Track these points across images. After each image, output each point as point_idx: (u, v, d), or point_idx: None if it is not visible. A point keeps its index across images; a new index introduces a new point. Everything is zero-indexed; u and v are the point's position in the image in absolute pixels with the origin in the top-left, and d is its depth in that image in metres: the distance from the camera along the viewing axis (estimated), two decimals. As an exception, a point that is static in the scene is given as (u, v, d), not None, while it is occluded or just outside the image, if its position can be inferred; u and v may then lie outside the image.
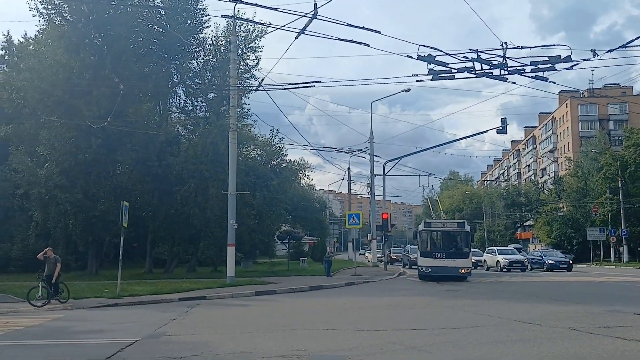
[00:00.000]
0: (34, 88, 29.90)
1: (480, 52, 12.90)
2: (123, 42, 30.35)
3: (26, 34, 46.93)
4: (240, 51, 31.55)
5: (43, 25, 31.56)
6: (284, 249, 51.92)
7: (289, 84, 19.41)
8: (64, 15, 30.46)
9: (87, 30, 30.03)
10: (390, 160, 33.87)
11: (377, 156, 34.33)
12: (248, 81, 33.06)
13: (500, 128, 28.40)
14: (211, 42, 34.20)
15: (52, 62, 29.95)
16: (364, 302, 18.14)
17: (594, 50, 13.30)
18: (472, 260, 42.95)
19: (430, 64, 13.03)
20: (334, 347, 10.46)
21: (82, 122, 27.64)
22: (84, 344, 11.31)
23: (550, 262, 39.48)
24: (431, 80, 13.70)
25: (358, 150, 33.45)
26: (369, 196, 36.00)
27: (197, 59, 34.83)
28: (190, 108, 35.58)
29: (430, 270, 26.38)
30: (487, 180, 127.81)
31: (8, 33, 54.36)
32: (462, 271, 26.10)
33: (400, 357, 9.43)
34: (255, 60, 34.27)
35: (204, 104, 34.97)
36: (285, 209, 40.54)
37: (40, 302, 17.84)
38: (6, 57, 40.00)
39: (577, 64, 13.87)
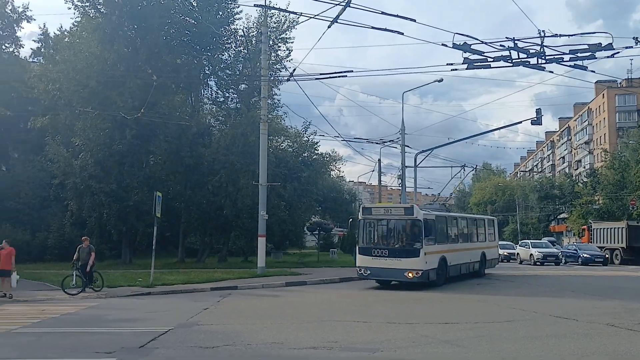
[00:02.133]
0: (69, 80, 30.37)
1: (517, 40, 12.59)
2: (156, 34, 30.60)
3: (61, 26, 47.86)
4: (271, 42, 31.54)
5: (78, 17, 32.00)
6: (313, 240, 51.96)
7: (321, 74, 19.37)
8: (98, 7, 30.86)
9: (121, 22, 30.35)
10: (422, 152, 33.45)
11: (408, 147, 33.94)
12: (279, 72, 33.08)
13: (535, 119, 27.68)
14: (242, 33, 34.30)
15: (86, 54, 30.38)
16: (395, 295, 18.01)
17: (637, 37, 12.86)
18: (505, 253, 42.60)
19: (465, 52, 12.77)
20: (365, 339, 10.39)
21: (116, 114, 28.01)
22: (118, 332, 11.48)
23: (585, 255, 38.64)
24: (466, 69, 13.44)
25: (390, 141, 33.11)
26: (400, 188, 35.63)
27: (228, 51, 34.98)
28: (222, 99, 35.82)
29: (369, 272, 20.00)
30: (521, 172, 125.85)
31: (44, 26, 55.62)
32: (410, 275, 18.96)
33: (433, 351, 9.32)
34: (287, 51, 34.32)
35: (235, 96, 35.14)
36: (315, 200, 40.54)
37: (74, 290, 18.19)
38: (42, 50, 40.72)
39: (619, 52, 13.43)
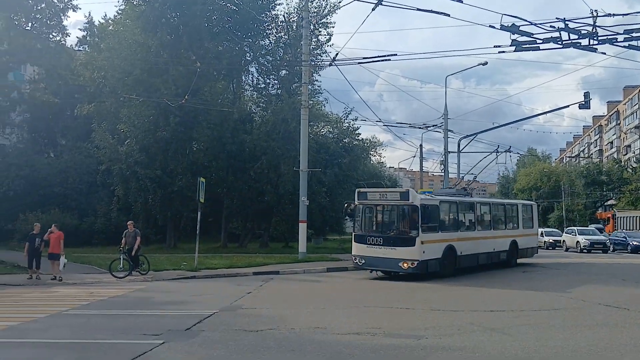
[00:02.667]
0: (114, 67, 30.88)
1: (568, 21, 12.13)
2: (198, 21, 30.78)
3: (106, 15, 48.76)
4: (312, 27, 31.37)
5: (122, 5, 32.48)
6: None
7: (364, 58, 19.15)
8: (142, -6, 31.21)
9: (164, 9, 30.62)
10: (465, 137, 32.81)
11: (451, 131, 33.41)
12: (320, 57, 32.92)
13: (583, 103, 26.78)
14: (283, 18, 34.22)
15: (130, 42, 30.82)
16: (438, 282, 17.82)
17: (696, 15, 12.23)
18: (550, 240, 41.69)
19: (513, 34, 12.38)
20: (409, 326, 10.32)
21: (160, 101, 28.41)
22: (165, 315, 11.71)
23: (634, 243, 37.37)
24: (514, 51, 13.03)
25: (432, 126, 32.60)
26: (442, 174, 35.18)
27: (269, 37, 34.94)
28: (263, 86, 35.86)
29: (363, 262, 19.02)
30: (567, 157, 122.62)
31: (89, 15, 56.78)
32: (404, 265, 17.71)
33: (479, 338, 9.18)
34: (327, 36, 34.10)
35: (275, 82, 35.15)
36: (355, 186, 40.37)
37: (121, 273, 18.63)
38: (88, 38, 41.51)
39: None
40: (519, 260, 24.00)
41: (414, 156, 43.62)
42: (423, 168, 45.40)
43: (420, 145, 42.52)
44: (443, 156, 34.45)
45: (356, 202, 19.53)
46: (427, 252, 17.90)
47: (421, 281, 17.47)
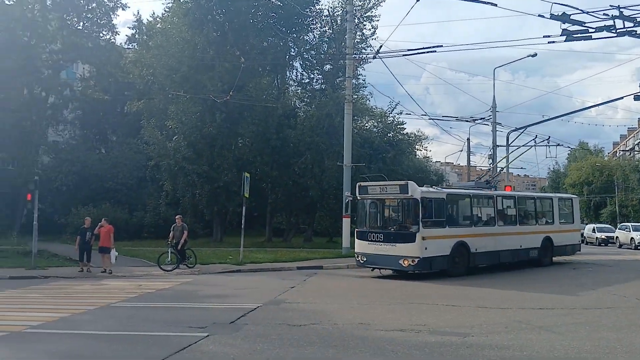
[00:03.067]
0: (162, 65, 31.53)
1: (623, 8, 11.63)
2: (243, 17, 31.08)
3: (154, 13, 49.66)
4: (356, 20, 31.21)
5: (169, 3, 33.16)
6: (399, 221, 51.41)
7: (408, 50, 18.91)
8: (188, -8, 31.69)
9: (210, 6, 31.03)
10: (514, 130, 32.00)
11: (499, 124, 32.68)
12: (364, 51, 32.71)
13: (639, 94, 25.68)
14: (327, 13, 34.19)
15: (177, 39, 31.37)
16: (485, 278, 17.49)
17: None
18: (602, 236, 40.31)
19: (564, 23, 11.96)
20: (455, 323, 10.15)
21: (206, 97, 28.82)
22: (210, 308, 11.88)
23: (695, 240, 35.79)
24: (565, 41, 12.60)
25: (480, 119, 31.92)
26: (490, 168, 34.47)
27: (313, 31, 35.01)
28: (307, 81, 35.97)
29: (365, 259, 18.04)
30: (620, 151, 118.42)
31: (138, 13, 58.00)
32: (404, 263, 16.76)
33: (527, 337, 8.94)
34: (372, 30, 33.89)
35: (320, 76, 35.18)
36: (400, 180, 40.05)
37: (169, 266, 18.99)
38: (136, 36, 42.45)
39: None
40: (556, 259, 22.67)
41: (461, 150, 42.92)
42: (471, 162, 44.59)
43: (468, 139, 41.78)
44: (491, 150, 33.74)
45: (358, 197, 18.79)
46: (431, 248, 16.83)
47: (428, 280, 16.80)
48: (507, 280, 17.28)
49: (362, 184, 18.84)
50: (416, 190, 17.07)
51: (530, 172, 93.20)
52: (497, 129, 32.01)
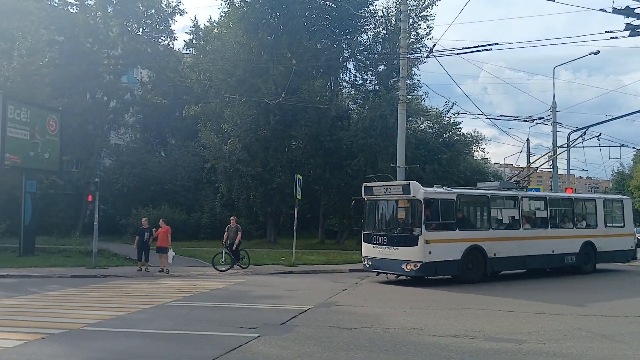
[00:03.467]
0: (218, 69, 32.16)
1: (693, -1, 11.00)
2: (297, 20, 31.31)
3: (211, 18, 50.64)
4: (411, 20, 30.84)
5: (225, 8, 33.73)
6: (455, 224, 50.50)
7: (463, 48, 18.49)
8: (244, -4, 32.18)
9: (264, 10, 31.41)
10: (575, 130, 30.80)
11: (560, 124, 31.57)
12: (419, 51, 32.31)
13: None
14: (381, 13, 33.97)
15: (233, 44, 31.92)
16: (547, 283, 16.90)
17: None
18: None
19: (627, 17, 11.39)
20: (511, 330, 9.82)
21: (260, 100, 29.15)
22: (262, 309, 11.93)
23: None
24: (628, 36, 11.99)
25: (540, 119, 30.85)
26: (550, 170, 33.32)
27: (367, 32, 34.83)
28: (360, 82, 35.83)
29: (370, 263, 17.43)
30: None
31: (195, 18, 59.30)
32: (407, 267, 16.02)
33: (588, 345, 8.54)
34: (427, 29, 33.42)
35: (373, 77, 34.95)
36: (456, 183, 39.26)
37: (223, 267, 19.28)
38: (194, 42, 43.45)
39: None
40: (604, 266, 20.94)
41: (521, 151, 41.57)
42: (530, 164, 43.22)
43: (527, 140, 40.51)
44: (551, 151, 32.60)
45: (365, 198, 17.90)
46: (436, 252, 15.93)
47: (437, 286, 16.12)
48: (525, 287, 16.27)
49: (368, 184, 18.11)
50: (419, 191, 16.13)
51: (593, 174, 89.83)
52: (557, 129, 30.90)
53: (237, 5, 32.31)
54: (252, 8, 31.15)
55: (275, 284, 16.27)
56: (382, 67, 33.89)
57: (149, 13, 38.84)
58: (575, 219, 20.32)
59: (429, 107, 37.35)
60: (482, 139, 41.31)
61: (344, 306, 12.30)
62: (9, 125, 22.68)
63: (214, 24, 39.51)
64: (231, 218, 20.94)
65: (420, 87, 35.13)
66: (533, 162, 26.82)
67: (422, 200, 15.85)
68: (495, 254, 17.08)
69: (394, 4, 33.48)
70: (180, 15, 40.02)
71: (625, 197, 24.76)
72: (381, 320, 10.51)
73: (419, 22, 33.05)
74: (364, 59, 34.24)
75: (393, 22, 33.10)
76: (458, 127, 35.82)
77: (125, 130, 43.73)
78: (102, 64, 36.62)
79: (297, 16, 31.26)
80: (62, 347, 8.45)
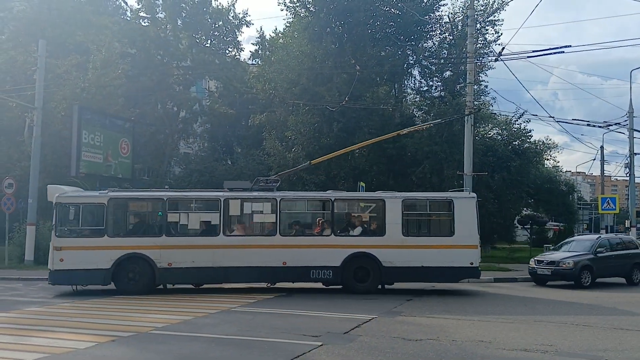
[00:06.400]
0: (283, 78, 32.53)
1: None
2: (361, 28, 31.25)
3: (276, 28, 51.40)
4: (478, 25, 30.18)
5: (290, 18, 34.14)
6: (525, 234, 48.77)
7: (533, 51, 17.87)
8: (308, 6, 32.48)
9: (328, 19, 31.55)
10: (654, 136, 29.28)
11: (637, 131, 30.03)
12: (486, 56, 31.58)
13: None
14: (447, 19, 33.44)
15: (297, 53, 32.19)
16: (627, 297, 15.95)
17: None
18: None
19: None
20: (586, 345, 9.28)
21: (323, 108, 29.22)
22: (325, 317, 11.81)
23: None
24: None
25: (615, 124, 29.45)
26: (627, 178, 31.72)
27: (432, 38, 34.38)
28: (425, 88, 35.30)
29: None
30: None
31: (261, 29, 60.44)
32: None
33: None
34: (495, 35, 32.63)
35: (439, 84, 34.38)
36: (526, 192, 37.93)
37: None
38: (259, 52, 44.18)
39: None
40: (407, 285, 17.03)
41: (594, 159, 39.89)
42: (605, 172, 41.38)
43: (601, 147, 38.83)
44: (628, 158, 31.04)
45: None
46: (72, 260, 14.77)
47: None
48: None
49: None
50: (54, 195, 15.22)
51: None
52: (634, 135, 29.39)
53: (301, 15, 32.62)
54: (316, 17, 31.36)
55: (339, 292, 16.10)
56: (448, 73, 33.35)
57: (217, 25, 39.77)
58: (334, 225, 16.38)
59: (498, 114, 36.40)
60: (553, 147, 39.90)
61: (409, 317, 12.01)
62: (83, 149, 24.26)
63: (279, 34, 40.04)
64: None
65: (488, 93, 34.30)
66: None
67: (54, 204, 15.14)
68: (171, 264, 15.26)
69: (460, 9, 32.93)
70: (247, 26, 40.87)
71: (461, 195, 18.47)
72: (447, 332, 10.18)
73: (487, 28, 32.38)
74: (429, 65, 33.76)
75: (459, 27, 32.54)
76: (529, 134, 34.70)
77: (194, 140, 44.82)
78: (172, 75, 37.74)
79: (361, 24, 31.20)
80: (130, 349, 8.64)
